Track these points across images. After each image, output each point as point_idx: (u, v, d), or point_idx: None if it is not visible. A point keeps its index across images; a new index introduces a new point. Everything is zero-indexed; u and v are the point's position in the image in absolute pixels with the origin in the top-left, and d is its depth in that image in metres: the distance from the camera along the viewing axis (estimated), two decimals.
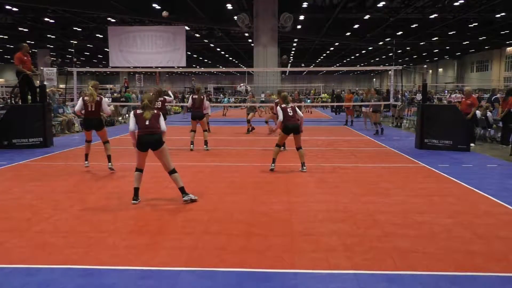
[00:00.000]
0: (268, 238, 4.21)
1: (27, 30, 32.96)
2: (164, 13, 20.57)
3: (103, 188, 6.40)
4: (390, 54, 38.59)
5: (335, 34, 35.67)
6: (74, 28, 33.55)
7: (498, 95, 14.74)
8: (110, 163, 7.56)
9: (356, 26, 31.83)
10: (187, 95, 27.45)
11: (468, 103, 11.14)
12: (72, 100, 14.68)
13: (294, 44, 42.96)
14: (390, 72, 13.97)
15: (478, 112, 11.94)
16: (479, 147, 10.72)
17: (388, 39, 36.91)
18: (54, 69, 12.78)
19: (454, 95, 25.34)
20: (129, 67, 28.54)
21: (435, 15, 27.53)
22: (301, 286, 3.23)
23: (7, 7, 25.58)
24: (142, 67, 30.06)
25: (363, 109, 16.18)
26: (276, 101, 9.93)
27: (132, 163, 5.95)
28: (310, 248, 3.95)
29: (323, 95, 36.21)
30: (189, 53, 37.92)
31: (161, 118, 5.60)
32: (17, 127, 10.25)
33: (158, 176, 6.66)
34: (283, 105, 7.55)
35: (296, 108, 7.64)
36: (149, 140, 5.40)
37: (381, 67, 37.92)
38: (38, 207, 5.29)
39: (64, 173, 7.46)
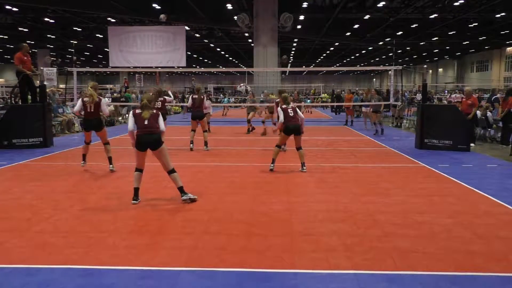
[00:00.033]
0: (268, 238, 4.21)
1: (27, 30, 32.96)
2: (162, 16, 20.61)
3: (103, 188, 6.40)
4: (390, 54, 38.59)
5: (335, 34, 35.67)
6: (74, 28, 33.55)
7: (498, 95, 14.73)
8: (111, 165, 7.56)
9: (356, 26, 31.82)
10: (187, 95, 27.45)
11: (469, 103, 11.14)
12: (72, 100, 14.67)
13: (294, 44, 42.95)
14: (390, 72, 13.97)
15: (478, 112, 11.94)
16: (479, 147, 10.72)
17: (388, 39, 36.90)
18: (54, 69, 12.77)
19: (454, 95, 25.32)
20: (129, 67, 28.53)
21: (435, 15, 27.53)
22: (301, 286, 3.23)
23: (7, 7, 25.58)
24: (142, 67, 30.06)
25: (363, 109, 16.18)
26: (277, 100, 9.92)
27: (132, 163, 5.95)
28: (310, 248, 3.95)
29: (323, 95, 36.20)
30: (189, 53, 37.93)
31: (160, 118, 5.60)
32: (17, 127, 10.25)
33: (158, 176, 6.66)
34: (284, 106, 7.55)
35: (297, 109, 7.64)
36: (148, 140, 5.40)
37: (381, 67, 37.93)
38: (38, 207, 5.29)
39: (64, 173, 7.46)
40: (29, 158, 8.91)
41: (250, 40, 33.96)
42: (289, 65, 57.31)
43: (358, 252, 3.85)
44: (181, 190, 5.48)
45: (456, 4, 25.13)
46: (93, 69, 74.98)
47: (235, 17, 25.86)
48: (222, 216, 4.95)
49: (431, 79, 55.45)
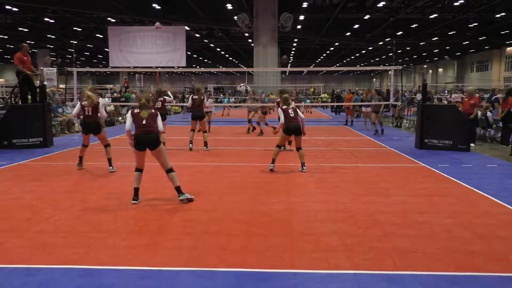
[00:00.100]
0: (268, 238, 4.21)
1: (27, 30, 32.98)
2: (157, 24, 20.77)
3: (103, 188, 6.40)
4: (390, 54, 38.61)
5: (335, 34, 35.69)
6: (74, 28, 33.57)
7: (498, 95, 14.72)
8: (111, 167, 7.56)
9: (356, 26, 31.84)
10: (187, 95, 27.45)
11: (471, 103, 11.11)
12: (72, 100, 14.68)
13: (294, 44, 42.98)
14: (390, 72, 13.96)
15: (478, 112, 11.93)
16: (479, 147, 10.72)
17: (388, 39, 36.92)
18: (54, 69, 12.77)
19: (454, 95, 25.32)
20: (129, 67, 28.55)
21: (435, 15, 27.54)
22: (301, 286, 3.23)
23: (7, 7, 25.60)
24: (142, 67, 30.07)
25: (363, 109, 16.17)
26: (278, 100, 9.91)
27: (131, 163, 5.95)
28: (310, 248, 3.95)
29: (323, 95, 36.21)
30: (189, 53, 37.95)
31: (159, 118, 5.61)
32: (17, 127, 10.25)
33: (158, 176, 6.65)
34: (284, 107, 7.54)
35: (297, 110, 7.64)
36: (146, 139, 5.40)
37: (381, 67, 37.92)
38: (38, 207, 5.29)
39: (64, 173, 7.46)
40: (29, 158, 8.91)
41: (250, 40, 33.97)
42: (289, 65, 57.32)
43: (358, 252, 3.85)
44: (178, 190, 5.48)
45: (456, 4, 25.15)
46: (93, 69, 75.08)
47: (235, 17, 25.87)
48: (222, 216, 4.95)
49: (431, 79, 55.47)
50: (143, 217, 4.95)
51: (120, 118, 18.95)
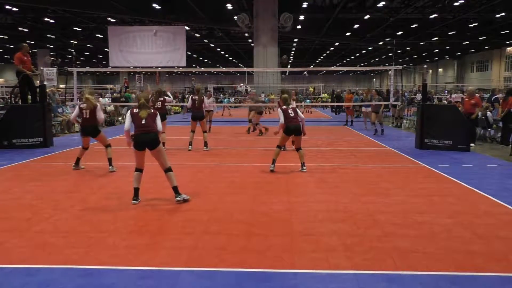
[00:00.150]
0: (268, 238, 4.21)
1: (27, 30, 32.98)
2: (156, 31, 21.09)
3: (103, 188, 6.40)
4: (390, 54, 38.60)
5: (335, 34, 35.69)
6: (74, 28, 33.57)
7: (498, 95, 14.72)
8: (111, 167, 7.57)
9: (356, 26, 31.83)
10: (187, 95, 27.45)
11: (472, 103, 11.10)
12: (72, 100, 14.68)
13: (294, 44, 42.98)
14: (390, 72, 13.96)
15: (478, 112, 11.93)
16: (479, 147, 10.72)
17: (388, 39, 36.92)
18: (54, 69, 12.77)
19: (454, 95, 25.32)
20: (129, 67, 28.55)
21: (435, 15, 27.54)
22: (301, 286, 3.23)
23: (7, 7, 25.60)
24: (142, 67, 30.07)
25: (363, 109, 16.17)
26: (279, 100, 9.90)
27: (132, 163, 5.95)
28: (310, 248, 3.96)
29: (323, 95, 36.22)
30: (189, 53, 37.95)
31: (158, 118, 5.61)
32: (17, 127, 10.25)
33: (158, 176, 6.65)
34: (284, 107, 7.53)
35: (297, 110, 7.63)
36: (145, 139, 5.41)
37: (381, 67, 37.94)
38: (38, 207, 5.29)
39: (64, 173, 7.47)
40: (29, 158, 8.92)
41: (250, 40, 33.97)
42: (289, 65, 57.32)
43: (358, 252, 3.85)
44: (175, 190, 5.48)
45: (456, 4, 25.15)
46: (93, 69, 75.13)
47: (235, 17, 25.87)
48: (222, 216, 4.95)
49: (431, 79, 55.48)
50: (143, 217, 4.96)
51: (120, 118, 18.95)
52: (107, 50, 29.64)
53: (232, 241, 4.14)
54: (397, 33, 34.92)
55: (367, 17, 28.21)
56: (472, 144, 10.38)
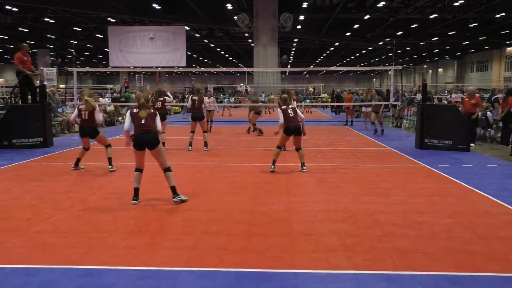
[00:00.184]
0: (268, 238, 4.21)
1: (27, 30, 32.99)
2: (151, 37, 21.33)
3: (103, 188, 6.40)
4: (390, 54, 38.61)
5: (335, 34, 35.70)
6: (74, 28, 33.58)
7: (498, 95, 14.71)
8: (110, 166, 7.57)
9: (356, 26, 31.84)
10: (187, 95, 27.45)
11: (472, 103, 11.08)
12: (72, 100, 14.68)
13: (294, 44, 42.98)
14: (390, 72, 13.97)
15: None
16: (479, 147, 10.72)
17: (388, 39, 36.93)
18: (54, 69, 12.77)
19: (454, 95, 25.33)
20: (129, 67, 28.55)
21: (435, 15, 27.55)
22: (301, 286, 3.23)
23: (7, 7, 25.60)
24: (142, 67, 30.08)
25: (363, 109, 16.18)
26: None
27: (132, 163, 5.95)
28: (310, 248, 3.96)
29: (323, 95, 36.23)
30: (189, 53, 37.95)
31: (157, 118, 5.62)
32: (17, 127, 10.25)
33: (158, 176, 6.64)
34: (284, 107, 7.52)
35: (297, 109, 7.62)
36: (144, 138, 5.41)
37: (381, 67, 37.94)
38: (38, 207, 5.29)
39: (64, 173, 7.47)
40: (29, 158, 8.91)
41: (250, 40, 33.98)
42: (289, 65, 57.32)
43: (358, 252, 3.85)
44: (173, 190, 5.48)
45: (456, 4, 25.15)
46: (93, 69, 75.13)
47: (235, 17, 25.88)
48: (222, 216, 4.95)
49: (431, 79, 55.48)
50: (143, 217, 4.96)
51: (120, 118, 18.95)
52: (107, 50, 29.65)
53: (232, 241, 4.14)
54: (397, 33, 34.93)
55: (367, 17, 28.21)
56: (472, 144, 10.38)
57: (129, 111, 5.69)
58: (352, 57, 55.70)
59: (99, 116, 7.53)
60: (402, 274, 3.41)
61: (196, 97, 10.24)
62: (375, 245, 4.01)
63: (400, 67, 13.12)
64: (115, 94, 25.67)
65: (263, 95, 26.81)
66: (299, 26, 31.71)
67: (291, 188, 6.37)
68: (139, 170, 5.54)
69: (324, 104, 31.43)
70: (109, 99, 21.44)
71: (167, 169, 5.50)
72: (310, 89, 42.60)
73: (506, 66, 44.22)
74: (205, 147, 10.15)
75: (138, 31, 28.04)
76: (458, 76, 54.30)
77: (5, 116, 10.40)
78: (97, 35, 35.34)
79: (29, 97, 11.29)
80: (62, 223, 4.71)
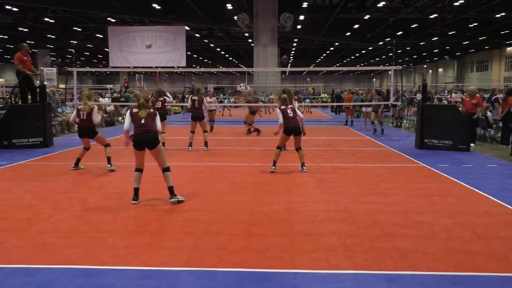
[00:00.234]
0: (268, 238, 4.21)
1: (27, 30, 32.99)
2: (148, 45, 21.32)
3: (103, 188, 6.40)
4: (390, 54, 38.61)
5: (335, 34, 35.71)
6: (74, 28, 33.58)
7: (498, 95, 14.71)
8: (109, 165, 7.58)
9: (356, 26, 31.85)
10: (187, 95, 27.45)
11: (473, 102, 11.06)
12: (72, 99, 14.68)
13: (294, 44, 43.00)
14: (390, 72, 13.97)
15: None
16: (479, 147, 10.72)
17: (388, 39, 36.94)
18: (54, 69, 12.77)
19: (455, 95, 25.33)
20: (129, 67, 28.56)
21: (435, 15, 27.55)
22: (301, 286, 3.23)
23: (7, 7, 25.60)
24: (142, 67, 30.08)
25: (363, 109, 16.18)
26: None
27: (132, 163, 5.95)
28: (310, 248, 3.96)
29: (323, 95, 36.23)
30: (189, 53, 37.95)
31: (157, 118, 5.62)
32: (17, 127, 10.25)
33: (158, 176, 6.63)
34: (283, 107, 7.51)
35: (296, 109, 7.61)
36: (144, 138, 5.41)
37: (381, 67, 37.94)
38: (38, 207, 5.29)
39: (64, 173, 7.47)
40: (29, 158, 8.91)
41: (250, 40, 33.98)
42: (289, 65, 57.33)
43: (358, 252, 3.85)
44: (170, 190, 5.47)
45: (456, 4, 25.16)
46: (93, 69, 75.15)
47: (235, 17, 25.89)
48: (222, 216, 4.95)
49: (431, 79, 55.46)
50: (143, 217, 4.96)
51: (120, 118, 18.96)
52: (107, 50, 29.66)
53: (232, 241, 4.14)
54: (397, 33, 34.94)
55: (367, 17, 28.21)
56: (472, 144, 10.38)
57: (129, 111, 5.69)
58: (352, 57, 55.71)
59: (96, 117, 7.54)
60: (402, 274, 3.41)
61: (196, 97, 10.23)
62: (375, 245, 4.01)
63: (400, 67, 13.11)
64: (115, 94, 25.67)
65: (263, 95, 26.82)
66: (299, 26, 31.72)
67: (291, 188, 6.37)
68: (139, 170, 5.54)
69: (324, 104, 31.44)
70: (109, 99, 21.44)
71: (166, 169, 5.51)
72: (310, 89, 42.63)
73: (506, 66, 44.22)
74: (205, 147, 10.15)
75: (138, 31, 28.06)
76: (458, 76, 54.31)
77: (5, 116, 10.40)
78: (97, 35, 35.34)
79: (29, 97, 11.29)
80: (62, 223, 4.71)
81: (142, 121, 5.45)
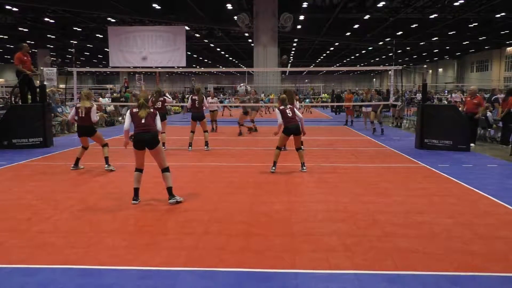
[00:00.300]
0: (268, 238, 4.21)
1: (27, 30, 32.97)
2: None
3: (103, 188, 6.40)
4: (390, 54, 38.59)
5: (335, 34, 35.68)
6: (74, 28, 33.56)
7: (498, 95, 14.70)
8: (107, 165, 7.59)
9: (356, 26, 31.83)
10: (187, 95, 27.44)
11: (475, 102, 11.05)
12: (72, 99, 14.68)
13: (294, 44, 42.96)
14: (390, 72, 13.97)
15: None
16: (479, 147, 10.72)
17: (388, 39, 36.92)
18: (54, 69, 12.77)
19: (455, 95, 25.32)
20: (129, 67, 28.55)
21: (435, 15, 27.53)
22: (302, 286, 3.23)
23: (7, 7, 25.59)
24: (142, 67, 30.08)
25: (363, 109, 16.18)
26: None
27: (132, 163, 5.95)
28: (310, 248, 3.95)
29: (323, 95, 36.22)
30: (189, 53, 37.92)
31: (157, 117, 5.62)
32: (17, 127, 10.25)
33: (158, 176, 6.62)
34: (282, 107, 7.51)
35: (295, 109, 7.60)
36: (144, 138, 5.41)
37: (381, 67, 37.93)
38: (38, 207, 5.29)
39: (64, 173, 7.46)
40: (29, 158, 8.91)
41: (250, 40, 33.97)
42: (289, 65, 57.31)
43: (358, 252, 3.85)
44: (169, 191, 5.47)
45: (456, 4, 25.13)
46: (93, 69, 75.11)
47: (235, 17, 25.87)
48: (222, 216, 4.95)
49: (431, 79, 55.47)
50: (143, 217, 4.95)
51: (120, 118, 18.95)
52: (107, 50, 29.65)
53: (232, 241, 4.14)
54: (397, 33, 34.91)
55: (367, 17, 28.19)
56: (472, 144, 10.38)
57: (129, 110, 5.69)
58: (352, 57, 55.68)
59: (94, 115, 7.55)
60: (402, 274, 3.41)
61: (196, 97, 10.23)
62: (375, 245, 4.01)
63: (400, 67, 13.11)
64: (115, 94, 25.65)
65: (263, 95, 26.80)
66: (299, 26, 31.70)
67: (291, 188, 6.37)
68: (139, 170, 5.54)
69: (324, 104, 31.43)
70: (109, 99, 21.42)
71: (165, 170, 5.51)
72: (310, 90, 42.66)
73: (506, 66, 44.22)
74: (206, 147, 10.15)
75: (138, 31, 28.04)
76: (458, 76, 54.31)
77: (5, 116, 10.40)
78: (97, 35, 35.32)
79: (29, 97, 11.29)
80: (62, 223, 4.71)
81: (142, 121, 5.45)
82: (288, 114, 7.40)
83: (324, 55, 53.35)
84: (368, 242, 4.08)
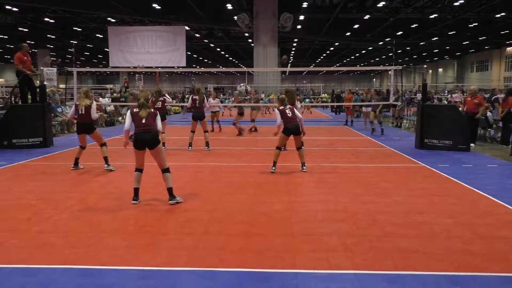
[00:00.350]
0: (268, 238, 4.21)
1: (27, 30, 32.96)
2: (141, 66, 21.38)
3: (103, 188, 6.40)
4: (390, 54, 38.59)
5: (335, 34, 35.67)
6: (74, 28, 33.56)
7: (498, 95, 14.69)
8: (106, 165, 7.59)
9: (356, 26, 31.82)
10: (187, 95, 27.45)
11: (475, 102, 11.03)
12: (72, 99, 14.68)
13: (294, 44, 42.95)
14: (390, 72, 13.97)
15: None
16: (479, 147, 10.72)
17: (388, 39, 36.91)
18: (54, 69, 12.77)
19: (455, 95, 25.30)
20: (129, 67, 28.56)
21: (435, 15, 27.53)
22: (302, 286, 3.23)
23: (7, 7, 25.59)
24: (142, 67, 30.07)
25: (363, 109, 16.18)
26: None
27: (132, 163, 5.96)
28: (310, 248, 3.95)
29: (323, 95, 36.22)
30: (189, 53, 37.90)
31: (158, 117, 5.63)
32: (17, 127, 10.25)
33: (158, 177, 6.62)
34: (281, 107, 7.50)
35: (295, 109, 7.60)
36: (145, 138, 5.41)
37: (381, 67, 37.92)
38: (38, 207, 5.29)
39: (64, 173, 7.46)
40: (29, 158, 8.91)
41: (250, 40, 33.97)
42: (289, 65, 57.30)
43: (358, 252, 3.85)
44: (169, 191, 5.47)
45: (456, 4, 25.12)
46: (93, 69, 75.16)
47: (235, 17, 25.87)
48: (222, 216, 4.95)
49: (431, 79, 55.46)
50: (143, 217, 4.95)
51: (120, 118, 18.95)
52: (107, 50, 29.65)
53: (232, 241, 4.14)
54: (397, 33, 34.91)
55: (367, 17, 28.19)
56: (472, 144, 10.38)
57: (129, 110, 5.69)
58: (352, 57, 55.66)
59: (94, 112, 7.57)
60: (402, 274, 3.41)
61: (197, 97, 10.23)
62: (375, 245, 4.01)
63: (400, 67, 13.10)
64: (115, 94, 25.65)
65: (263, 95, 26.80)
66: (299, 26, 31.69)
67: (291, 188, 6.37)
68: (139, 170, 5.54)
69: (324, 104, 31.43)
70: (109, 99, 21.43)
71: (165, 170, 5.51)
72: (309, 90, 42.68)
73: (506, 66, 44.21)
74: (206, 147, 10.15)
75: (138, 31, 28.05)
76: (458, 76, 54.30)
77: (5, 116, 10.41)
78: (97, 35, 35.31)
79: (29, 97, 11.29)
80: (62, 223, 4.71)
81: (143, 121, 5.45)
82: (288, 114, 7.40)
83: (324, 55, 53.34)
84: (368, 242, 4.08)
